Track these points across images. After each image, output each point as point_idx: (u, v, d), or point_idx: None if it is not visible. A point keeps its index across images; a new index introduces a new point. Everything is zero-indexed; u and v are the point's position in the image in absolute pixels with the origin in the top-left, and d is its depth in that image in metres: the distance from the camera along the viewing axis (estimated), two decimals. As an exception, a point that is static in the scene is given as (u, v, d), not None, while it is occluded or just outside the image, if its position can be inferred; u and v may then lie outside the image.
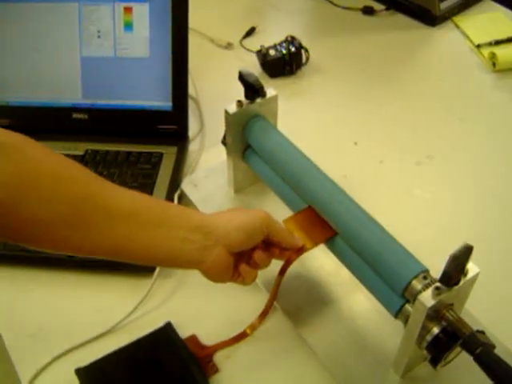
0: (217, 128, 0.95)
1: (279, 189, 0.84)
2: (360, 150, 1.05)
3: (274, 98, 0.85)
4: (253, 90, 0.82)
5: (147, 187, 0.94)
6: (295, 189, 0.81)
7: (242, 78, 0.82)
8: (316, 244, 0.75)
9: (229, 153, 0.89)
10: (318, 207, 0.76)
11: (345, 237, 0.73)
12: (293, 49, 1.16)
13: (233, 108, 0.82)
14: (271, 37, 1.24)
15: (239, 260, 0.71)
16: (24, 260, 0.87)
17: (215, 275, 0.70)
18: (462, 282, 0.62)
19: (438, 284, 0.61)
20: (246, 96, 0.83)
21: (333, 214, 0.74)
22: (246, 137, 0.85)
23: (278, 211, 0.87)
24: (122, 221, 0.62)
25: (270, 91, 0.84)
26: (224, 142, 0.88)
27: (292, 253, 0.73)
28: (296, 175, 0.79)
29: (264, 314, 0.79)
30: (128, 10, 0.98)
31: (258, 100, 0.83)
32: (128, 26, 0.99)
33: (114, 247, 0.63)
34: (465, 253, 0.60)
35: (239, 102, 0.82)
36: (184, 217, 0.67)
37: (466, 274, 0.62)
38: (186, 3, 0.97)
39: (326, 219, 0.75)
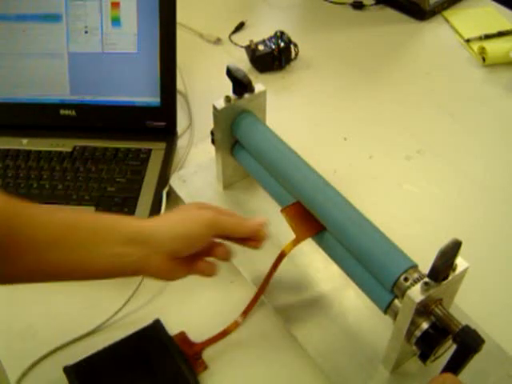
0: (205, 123, 0.94)
1: (268, 184, 0.84)
2: (350, 145, 1.05)
3: (263, 94, 0.84)
4: (241, 85, 0.81)
5: (135, 183, 0.93)
6: (283, 184, 0.80)
7: (229, 73, 0.81)
8: (306, 237, 0.74)
9: (217, 148, 0.88)
10: (305, 202, 0.76)
11: (333, 232, 0.73)
12: (282, 44, 1.16)
13: (221, 104, 0.81)
14: (260, 32, 1.24)
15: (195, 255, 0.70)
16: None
17: (165, 277, 0.70)
18: (450, 277, 0.62)
19: (426, 279, 0.61)
20: (234, 91, 0.82)
21: (321, 210, 0.74)
22: (234, 132, 0.85)
23: (267, 206, 0.87)
24: (50, 248, 0.61)
25: (259, 86, 0.83)
26: (213, 140, 0.87)
27: (284, 247, 0.73)
28: (284, 170, 0.79)
29: (248, 309, 0.78)
30: (115, 4, 0.97)
31: (246, 95, 0.83)
32: (115, 21, 0.98)
33: (50, 272, 0.63)
34: (453, 248, 0.59)
35: (227, 97, 0.81)
36: (116, 230, 0.65)
37: (454, 269, 0.62)
38: (174, -2, 0.96)
39: (314, 214, 0.75)
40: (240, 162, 0.88)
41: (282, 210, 0.77)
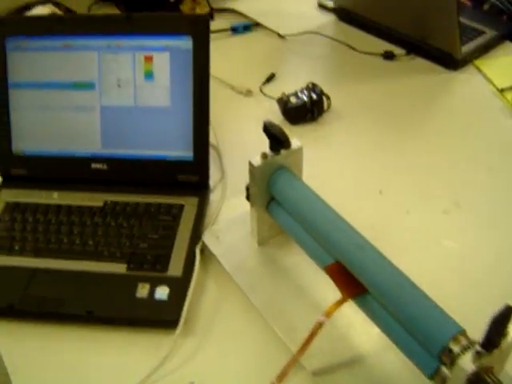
0: (238, 176, 0.93)
1: (304, 242, 0.82)
2: (386, 198, 1.02)
3: (299, 150, 0.83)
4: (278, 141, 0.80)
5: (168, 239, 0.91)
6: (321, 242, 0.78)
7: (266, 129, 0.80)
8: (351, 298, 0.72)
9: (252, 204, 0.86)
10: (345, 262, 0.74)
11: (375, 294, 0.70)
12: (314, 96, 1.15)
13: (257, 160, 0.80)
14: (291, 83, 1.23)
15: None
16: (42, 316, 0.85)
17: None
18: (503, 345, 0.59)
19: (478, 348, 0.58)
20: (271, 148, 0.81)
21: (361, 271, 0.71)
22: (271, 189, 0.83)
23: (303, 264, 0.85)
24: None
25: (295, 142, 0.82)
26: (248, 196, 0.86)
27: (328, 308, 0.71)
28: (322, 229, 0.77)
29: (284, 373, 0.75)
30: (148, 58, 0.97)
31: (283, 152, 0.81)
32: (148, 74, 0.97)
33: None
34: (506, 315, 0.57)
35: (264, 154, 0.80)
36: None
37: (507, 336, 0.59)
38: (208, 51, 0.96)
39: (355, 275, 0.73)
40: (276, 218, 0.86)
41: (325, 269, 0.74)
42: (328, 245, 0.76)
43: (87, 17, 1.09)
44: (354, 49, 1.40)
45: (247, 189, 0.86)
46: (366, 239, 0.74)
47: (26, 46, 1.01)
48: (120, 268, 0.88)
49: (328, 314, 0.72)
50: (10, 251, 0.92)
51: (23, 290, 0.86)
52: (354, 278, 0.73)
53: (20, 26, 1.02)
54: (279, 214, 0.85)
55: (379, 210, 1.00)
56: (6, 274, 0.90)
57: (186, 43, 0.96)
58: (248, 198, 0.86)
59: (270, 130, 0.79)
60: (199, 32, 0.95)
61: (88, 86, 0.99)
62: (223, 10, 1.58)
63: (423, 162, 1.09)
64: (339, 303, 0.72)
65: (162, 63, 0.97)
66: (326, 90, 1.18)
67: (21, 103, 1.02)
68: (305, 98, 1.15)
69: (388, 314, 0.69)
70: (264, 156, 0.80)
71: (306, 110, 1.15)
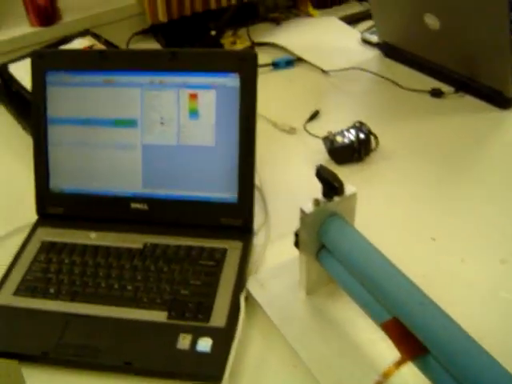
0: (282, 219, 0.89)
1: (358, 294, 0.77)
2: (439, 245, 0.97)
3: (353, 196, 0.78)
4: (332, 188, 0.75)
5: (211, 286, 0.87)
6: (377, 297, 0.73)
7: (319, 174, 0.75)
8: (411, 358, 0.67)
9: (301, 252, 0.82)
10: (404, 319, 0.68)
11: (438, 356, 0.65)
12: (362, 135, 1.10)
13: (309, 207, 0.75)
14: (336, 120, 1.19)
15: None
16: (77, 364, 0.81)
17: None
18: None
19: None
20: (324, 194, 0.76)
21: (423, 330, 0.66)
22: (322, 237, 0.78)
23: (354, 316, 0.80)
24: None
25: (350, 188, 0.77)
26: (296, 243, 0.81)
27: (387, 370, 0.65)
28: (378, 283, 0.71)
29: None
30: (193, 96, 0.93)
31: (336, 198, 0.76)
32: (193, 113, 0.94)
33: None
34: None
35: (316, 200, 0.75)
36: None
37: None
38: (255, 89, 0.92)
39: (414, 334, 0.67)
40: (327, 267, 0.81)
41: (382, 326, 0.69)
42: (384, 299, 0.71)
43: (130, 52, 1.06)
44: (399, 85, 1.36)
45: (296, 235, 0.81)
46: (426, 294, 0.69)
47: (67, 81, 0.98)
48: (160, 316, 0.84)
49: (386, 376, 0.66)
50: (45, 294, 0.89)
51: (58, 336, 0.82)
52: (414, 337, 0.68)
53: (61, 59, 0.99)
54: (330, 263, 0.80)
55: (431, 258, 0.95)
56: (41, 319, 0.86)
57: (233, 81, 0.92)
58: (296, 244, 0.82)
59: (323, 175, 0.75)
60: (247, 69, 0.92)
61: (130, 123, 0.96)
62: (264, 44, 1.55)
63: (478, 206, 1.04)
64: (399, 364, 0.67)
65: (207, 101, 0.93)
66: (372, 128, 1.13)
67: (60, 139, 0.99)
68: (352, 138, 1.10)
69: (452, 378, 0.64)
70: (316, 203, 0.75)
71: (353, 149, 1.11)
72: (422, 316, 0.67)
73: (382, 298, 0.72)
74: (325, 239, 0.78)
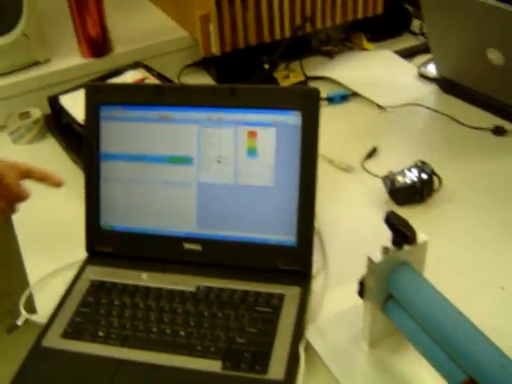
0: (341, 263, 0.84)
1: (428, 350, 0.71)
2: (509, 295, 0.91)
3: (425, 245, 0.73)
4: (403, 236, 0.70)
5: (268, 335, 0.82)
6: (450, 354, 0.67)
7: (389, 222, 0.70)
8: None
9: (366, 302, 0.77)
10: (483, 382, 0.63)
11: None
12: (424, 176, 1.05)
13: (377, 256, 0.70)
14: (394, 158, 1.14)
15: None
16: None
17: None
18: None
19: None
20: (394, 242, 0.71)
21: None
22: (390, 287, 0.73)
23: (421, 371, 0.75)
24: None
25: (422, 237, 0.72)
26: (360, 292, 0.76)
27: None
28: (453, 340, 0.66)
29: None
30: (252, 134, 0.90)
31: (407, 247, 0.71)
32: (251, 151, 0.90)
33: None
34: None
35: (385, 248, 0.71)
36: None
37: None
38: (317, 127, 0.89)
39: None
40: (393, 319, 0.76)
41: None
42: (460, 357, 0.66)
43: (187, 87, 1.02)
44: (460, 122, 1.30)
45: (360, 284, 0.76)
46: (507, 355, 0.63)
47: (121, 116, 0.95)
48: (214, 366, 0.79)
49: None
50: (94, 338, 0.85)
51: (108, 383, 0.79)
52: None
53: (116, 94, 0.97)
54: (398, 315, 0.75)
55: (502, 309, 0.89)
56: (90, 365, 0.82)
57: (294, 118, 0.88)
58: (360, 293, 0.77)
59: (394, 223, 0.70)
60: (310, 107, 0.88)
61: (185, 160, 0.93)
62: (317, 78, 1.52)
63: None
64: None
65: (267, 139, 0.89)
66: (434, 168, 1.08)
67: (112, 175, 0.96)
68: (414, 178, 1.05)
69: None
70: (385, 251, 0.71)
71: (416, 190, 1.05)
72: (502, 379, 0.61)
73: (457, 356, 0.66)
74: (394, 290, 0.73)
